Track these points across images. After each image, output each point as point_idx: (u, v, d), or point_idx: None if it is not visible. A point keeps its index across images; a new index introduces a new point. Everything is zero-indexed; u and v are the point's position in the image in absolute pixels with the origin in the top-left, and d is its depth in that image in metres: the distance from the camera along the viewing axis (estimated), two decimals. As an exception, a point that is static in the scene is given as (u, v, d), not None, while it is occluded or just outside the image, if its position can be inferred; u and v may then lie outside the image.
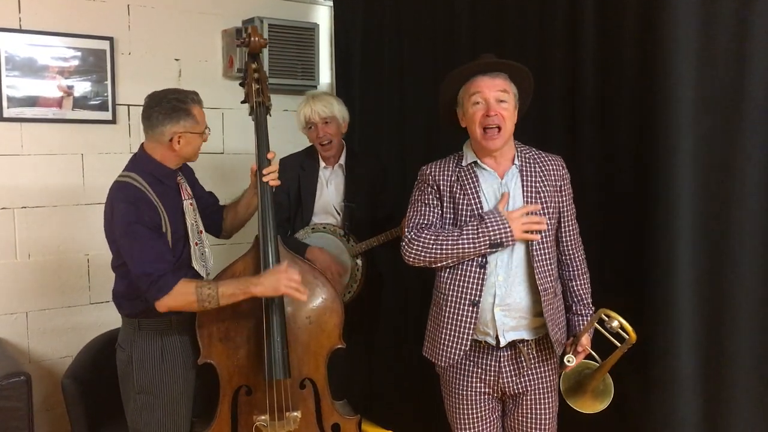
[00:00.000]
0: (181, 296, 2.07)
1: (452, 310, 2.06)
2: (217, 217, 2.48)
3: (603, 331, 1.97)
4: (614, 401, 2.06)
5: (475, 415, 2.13)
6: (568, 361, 2.04)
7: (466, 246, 1.99)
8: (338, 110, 2.86)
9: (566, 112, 2.50)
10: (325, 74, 3.88)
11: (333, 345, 2.33)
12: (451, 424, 2.19)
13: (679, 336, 2.13)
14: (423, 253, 2.04)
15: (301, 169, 2.91)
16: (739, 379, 2.08)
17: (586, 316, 2.12)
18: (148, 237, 2.10)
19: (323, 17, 3.90)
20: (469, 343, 2.05)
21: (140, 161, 2.23)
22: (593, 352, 2.06)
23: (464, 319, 2.04)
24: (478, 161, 2.09)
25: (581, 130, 2.45)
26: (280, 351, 2.17)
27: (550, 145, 2.24)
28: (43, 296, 3.16)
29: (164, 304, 2.08)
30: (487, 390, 2.12)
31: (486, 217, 2.00)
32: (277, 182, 2.32)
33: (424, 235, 2.05)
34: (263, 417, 2.26)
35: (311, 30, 3.67)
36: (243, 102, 2.44)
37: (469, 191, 2.07)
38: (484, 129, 2.01)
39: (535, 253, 2.02)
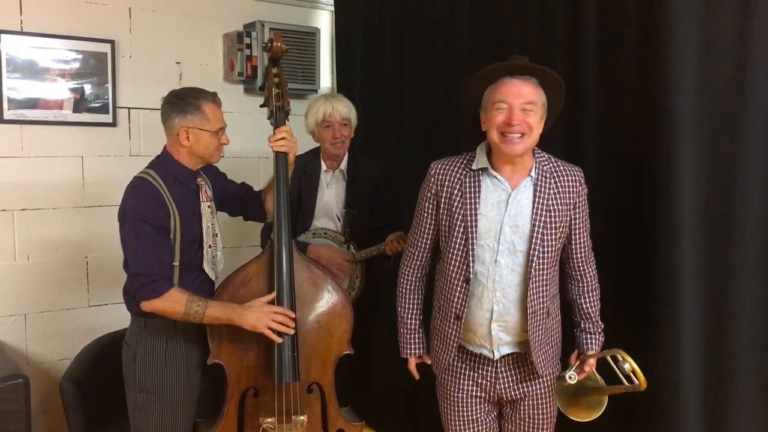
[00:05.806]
0: (171, 303, 2.10)
1: (440, 320, 2.10)
2: (257, 204, 2.50)
3: (614, 366, 1.95)
4: (615, 408, 2.08)
5: (469, 418, 2.10)
6: (570, 378, 2.02)
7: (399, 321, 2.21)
8: (353, 114, 2.87)
9: (567, 117, 2.51)
10: (326, 78, 3.89)
11: (341, 350, 2.34)
12: (445, 428, 2.17)
13: (680, 344, 2.15)
14: (398, 293, 2.21)
15: (303, 173, 2.90)
16: (741, 386, 2.11)
17: (595, 333, 2.09)
18: (152, 237, 2.11)
19: (324, 21, 3.92)
20: (453, 353, 2.07)
21: (162, 160, 2.24)
22: (594, 371, 2.08)
23: (450, 331, 2.05)
24: (489, 168, 1.99)
25: (582, 136, 2.46)
26: (289, 354, 2.17)
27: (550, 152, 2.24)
28: (41, 298, 3.14)
29: (152, 305, 2.10)
30: (482, 394, 2.09)
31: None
32: (284, 147, 2.32)
33: (402, 281, 2.20)
34: (270, 419, 2.26)
35: (312, 34, 3.69)
36: (262, 106, 2.44)
37: (468, 201, 1.98)
38: (503, 133, 1.90)
39: (533, 274, 1.95)
